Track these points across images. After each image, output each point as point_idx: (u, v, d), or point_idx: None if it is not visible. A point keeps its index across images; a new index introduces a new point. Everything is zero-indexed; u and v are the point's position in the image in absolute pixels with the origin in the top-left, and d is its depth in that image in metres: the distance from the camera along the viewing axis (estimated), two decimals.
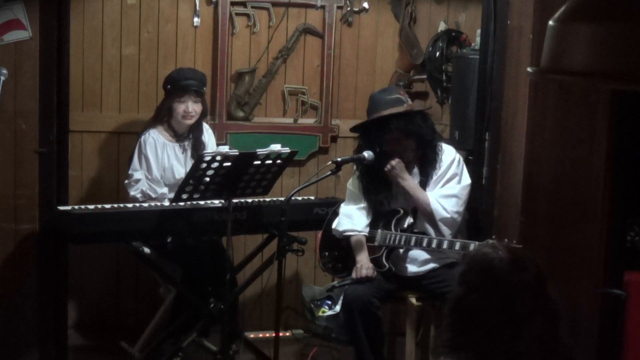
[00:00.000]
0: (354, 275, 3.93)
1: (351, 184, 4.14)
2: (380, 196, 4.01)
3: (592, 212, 3.29)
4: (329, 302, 4.66)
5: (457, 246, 3.81)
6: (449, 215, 3.91)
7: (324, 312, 4.62)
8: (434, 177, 3.99)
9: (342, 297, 4.07)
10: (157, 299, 4.60)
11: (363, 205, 4.05)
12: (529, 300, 1.99)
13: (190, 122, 4.37)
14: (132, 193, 4.32)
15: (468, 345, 2.01)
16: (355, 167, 4.10)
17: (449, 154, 4.02)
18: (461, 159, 4.05)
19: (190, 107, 4.32)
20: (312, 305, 4.66)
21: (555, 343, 2.03)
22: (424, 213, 3.94)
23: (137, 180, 4.31)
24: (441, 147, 4.02)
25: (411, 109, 4.00)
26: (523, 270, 2.02)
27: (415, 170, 4.02)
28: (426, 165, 3.99)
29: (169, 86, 4.33)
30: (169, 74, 4.40)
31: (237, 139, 4.79)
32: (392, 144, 3.92)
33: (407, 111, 3.93)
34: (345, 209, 4.10)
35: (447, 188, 3.97)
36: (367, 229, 4.02)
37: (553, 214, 3.54)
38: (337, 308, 4.47)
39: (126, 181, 4.37)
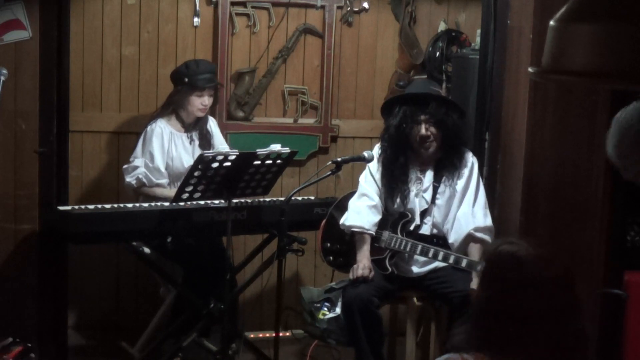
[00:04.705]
0: (350, 275, 3.91)
1: (364, 178, 4.06)
2: (397, 181, 3.94)
3: (592, 212, 3.29)
4: (328, 305, 4.65)
5: (464, 263, 3.76)
6: (493, 227, 3.89)
7: (324, 314, 4.61)
8: (451, 186, 3.93)
9: (341, 297, 4.06)
10: (157, 299, 4.60)
11: (374, 203, 3.99)
12: (564, 296, 1.97)
13: (203, 114, 4.41)
14: (127, 179, 4.33)
15: (497, 341, 1.98)
16: (379, 145, 4.03)
17: (467, 161, 3.96)
18: (475, 163, 3.98)
19: (207, 101, 4.38)
20: (312, 308, 4.66)
21: (585, 337, 2.01)
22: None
23: (135, 167, 4.32)
24: (463, 155, 3.95)
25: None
26: (551, 266, 1.99)
27: (430, 173, 3.97)
28: (442, 170, 3.94)
29: (186, 79, 4.32)
30: (185, 66, 4.36)
31: (237, 139, 4.79)
32: (423, 127, 3.85)
33: (451, 100, 3.88)
34: (355, 205, 4.03)
35: (478, 209, 3.90)
36: (375, 228, 3.98)
37: (553, 214, 3.54)
38: (338, 310, 4.46)
39: (125, 166, 4.38)
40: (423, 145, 3.89)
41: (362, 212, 3.98)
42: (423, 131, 3.86)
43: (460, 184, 3.93)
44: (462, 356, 2.02)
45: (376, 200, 4.00)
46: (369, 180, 4.04)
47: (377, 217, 3.99)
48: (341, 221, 4.05)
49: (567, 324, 1.97)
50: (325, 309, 4.63)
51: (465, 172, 3.94)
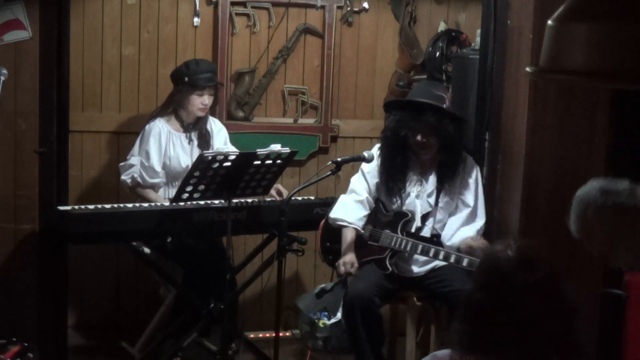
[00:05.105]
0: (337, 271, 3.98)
1: (356, 176, 4.12)
2: (395, 180, 3.98)
3: None
4: (326, 314, 4.65)
5: (465, 262, 3.78)
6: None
7: (324, 323, 4.60)
8: (454, 192, 3.97)
9: (342, 301, 4.06)
10: (157, 299, 4.60)
11: (361, 198, 4.04)
12: (535, 302, 1.97)
13: (203, 114, 4.40)
14: (122, 177, 4.34)
15: (477, 344, 2.00)
16: (379, 146, 4.06)
17: (472, 172, 3.99)
18: (479, 175, 4.01)
19: (207, 100, 4.36)
20: (312, 319, 4.63)
21: (569, 345, 2.01)
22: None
23: (131, 166, 4.32)
24: (464, 160, 3.98)
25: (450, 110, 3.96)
26: (530, 271, 2.00)
27: (433, 177, 3.99)
28: (443, 173, 3.97)
29: (186, 78, 4.31)
30: (185, 65, 4.35)
31: (237, 139, 4.79)
32: (418, 135, 3.89)
33: (446, 109, 3.90)
34: (342, 198, 4.11)
35: (482, 224, 3.95)
36: (360, 223, 4.02)
37: (553, 214, 3.54)
38: (339, 315, 4.44)
39: (121, 164, 4.39)
40: (420, 151, 3.94)
41: (348, 206, 4.04)
42: (418, 138, 3.89)
43: (467, 196, 3.97)
44: (449, 354, 2.04)
45: (363, 196, 4.05)
46: (360, 178, 4.10)
47: (362, 212, 4.04)
48: (329, 214, 4.08)
49: (549, 328, 1.97)
50: (325, 318, 4.62)
51: (471, 183, 3.98)
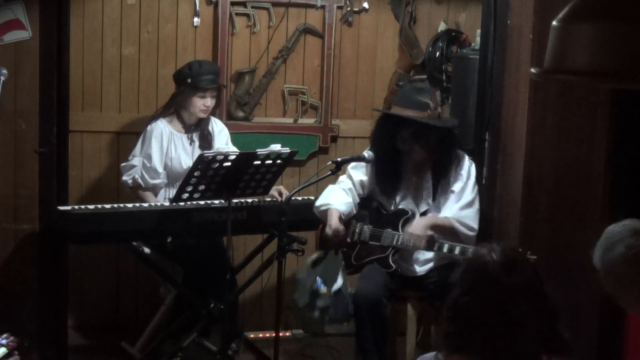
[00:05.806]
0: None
1: (342, 177, 4.15)
2: (388, 186, 4.00)
3: (592, 212, 3.30)
4: (322, 281, 4.60)
5: (470, 253, 3.77)
6: (472, 234, 3.90)
7: (324, 292, 4.55)
8: (448, 188, 3.98)
9: (351, 291, 4.05)
10: (157, 299, 4.60)
11: (344, 187, 4.07)
12: (523, 302, 1.99)
13: (205, 115, 4.40)
14: (123, 177, 4.35)
15: (466, 345, 2.02)
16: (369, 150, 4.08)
17: (464, 165, 4.00)
18: (473, 168, 4.02)
19: (209, 102, 4.36)
20: (314, 288, 4.58)
21: (556, 342, 2.03)
22: (447, 233, 3.91)
23: (132, 167, 4.33)
24: (458, 158, 3.99)
25: (430, 119, 3.90)
26: (515, 273, 2.02)
27: (428, 175, 4.01)
28: (438, 170, 3.98)
29: (189, 80, 4.31)
30: (188, 66, 4.35)
31: (237, 139, 4.79)
32: (401, 143, 3.93)
33: (426, 122, 3.87)
34: (327, 188, 4.14)
35: (465, 205, 3.94)
36: (343, 208, 4.01)
37: (553, 214, 3.55)
38: (340, 281, 4.38)
39: (122, 164, 4.39)
40: (409, 155, 3.96)
41: (331, 192, 4.08)
42: (401, 147, 3.94)
43: (457, 186, 3.97)
44: (435, 355, 2.06)
45: (347, 186, 4.07)
46: (345, 177, 4.12)
47: (345, 198, 4.05)
48: (314, 206, 4.10)
49: (537, 327, 1.99)
50: (322, 286, 4.57)
51: (463, 175, 3.98)
